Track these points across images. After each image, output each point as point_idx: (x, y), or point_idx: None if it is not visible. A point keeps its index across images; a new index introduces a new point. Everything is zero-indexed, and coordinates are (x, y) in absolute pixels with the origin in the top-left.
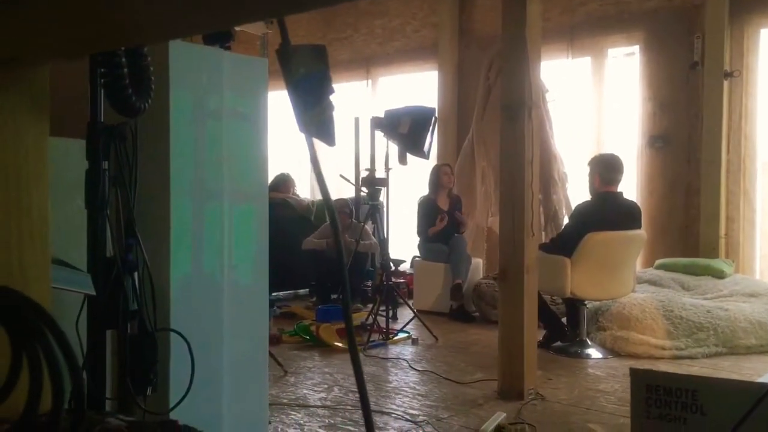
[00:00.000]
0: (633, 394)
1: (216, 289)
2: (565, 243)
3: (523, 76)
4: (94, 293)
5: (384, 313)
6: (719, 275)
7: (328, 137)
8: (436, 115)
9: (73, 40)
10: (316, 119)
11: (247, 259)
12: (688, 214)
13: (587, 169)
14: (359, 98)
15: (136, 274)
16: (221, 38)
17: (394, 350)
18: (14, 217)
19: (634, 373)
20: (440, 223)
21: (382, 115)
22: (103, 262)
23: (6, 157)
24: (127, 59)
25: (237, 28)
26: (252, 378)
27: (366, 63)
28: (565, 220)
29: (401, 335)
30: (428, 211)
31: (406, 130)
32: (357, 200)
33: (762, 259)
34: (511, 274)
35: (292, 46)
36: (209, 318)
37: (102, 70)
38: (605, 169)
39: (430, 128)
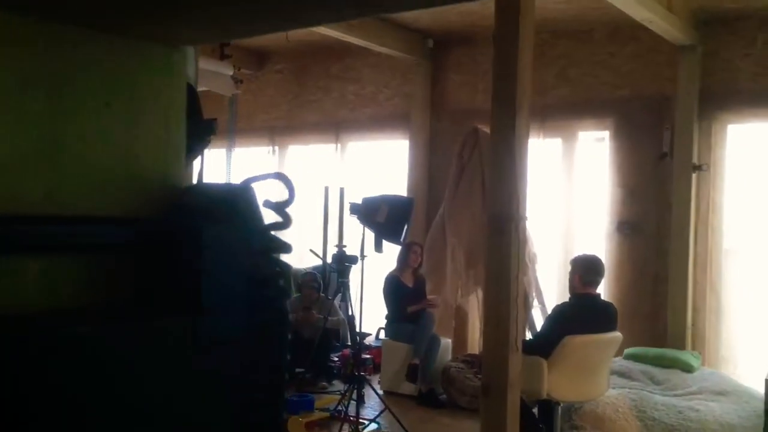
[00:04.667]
0: None
1: None
2: (543, 344)
3: (512, 189)
4: None
5: (354, 400)
6: (687, 369)
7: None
8: (414, 203)
9: None
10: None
11: None
12: (655, 302)
13: (567, 267)
14: (327, 161)
15: None
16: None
17: None
18: None
19: None
20: (424, 303)
21: (356, 197)
22: None
23: None
24: None
25: (206, 88)
26: None
27: (336, 127)
28: (535, 303)
29: (372, 426)
30: (393, 289)
31: (383, 219)
32: (325, 274)
33: (727, 350)
34: (494, 390)
35: None
36: None
37: None
38: (586, 270)
39: (408, 218)
